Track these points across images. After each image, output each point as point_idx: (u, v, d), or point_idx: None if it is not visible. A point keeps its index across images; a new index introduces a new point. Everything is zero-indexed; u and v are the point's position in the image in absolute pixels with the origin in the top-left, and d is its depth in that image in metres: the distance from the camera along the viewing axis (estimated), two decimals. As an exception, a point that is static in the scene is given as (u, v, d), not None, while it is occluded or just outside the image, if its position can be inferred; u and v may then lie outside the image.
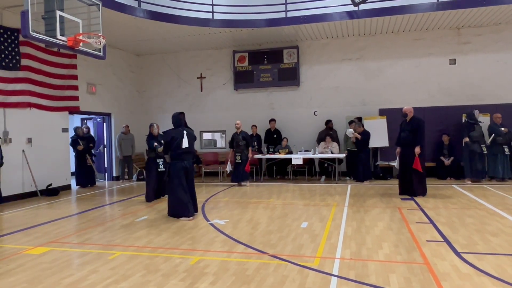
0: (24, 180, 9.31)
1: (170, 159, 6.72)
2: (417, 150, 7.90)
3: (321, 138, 11.71)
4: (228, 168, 11.07)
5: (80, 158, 11.23)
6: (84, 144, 11.20)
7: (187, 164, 6.64)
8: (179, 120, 6.75)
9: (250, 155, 10.61)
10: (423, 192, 8.14)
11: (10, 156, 8.85)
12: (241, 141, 10.50)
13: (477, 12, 10.02)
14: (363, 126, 11.08)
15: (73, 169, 11.52)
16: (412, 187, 8.13)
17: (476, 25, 11.15)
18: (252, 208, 7.42)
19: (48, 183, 9.78)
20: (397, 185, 10.07)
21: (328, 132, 11.63)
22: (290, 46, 12.63)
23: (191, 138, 6.76)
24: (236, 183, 10.74)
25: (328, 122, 11.87)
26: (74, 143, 11.17)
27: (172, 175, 6.61)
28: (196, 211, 6.87)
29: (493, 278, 3.67)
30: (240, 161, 10.51)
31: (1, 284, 3.85)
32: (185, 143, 6.58)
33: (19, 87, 9.10)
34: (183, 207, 6.53)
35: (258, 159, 11.83)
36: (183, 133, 6.63)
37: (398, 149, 8.45)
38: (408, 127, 8.12)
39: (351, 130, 10.80)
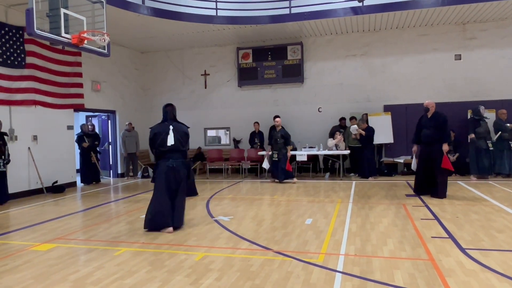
0: (30, 177, 9.38)
1: (155, 158, 5.76)
2: (446, 147, 7.35)
3: (333, 133, 11.67)
4: (265, 165, 10.72)
5: (84, 155, 11.31)
6: (89, 142, 11.27)
7: (173, 164, 5.49)
8: (165, 113, 5.70)
9: (288, 154, 10.25)
10: (445, 195, 7.50)
11: (16, 153, 8.91)
12: (279, 139, 10.22)
13: (483, 7, 9.93)
14: (367, 122, 11.07)
15: (78, 166, 11.58)
16: (435, 188, 7.50)
17: (482, 20, 11.06)
18: (256, 205, 7.43)
19: (53, 180, 9.85)
20: (402, 181, 10.09)
21: (339, 129, 11.62)
22: (294, 42, 12.60)
23: (180, 134, 5.60)
24: (277, 180, 10.35)
25: (341, 120, 11.87)
26: (79, 139, 11.24)
27: (155, 178, 5.61)
28: (178, 225, 5.60)
29: (498, 274, 3.66)
30: (276, 159, 10.23)
31: (8, 280, 3.89)
32: (170, 140, 5.49)
33: (24, 85, 9.15)
34: (162, 216, 5.45)
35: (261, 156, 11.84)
36: (169, 129, 5.55)
37: (414, 147, 7.85)
38: (432, 123, 7.52)
39: (355, 126, 10.78)
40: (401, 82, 11.89)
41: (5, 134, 8.48)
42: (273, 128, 12.42)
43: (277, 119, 10.48)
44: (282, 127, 10.63)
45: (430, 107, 7.64)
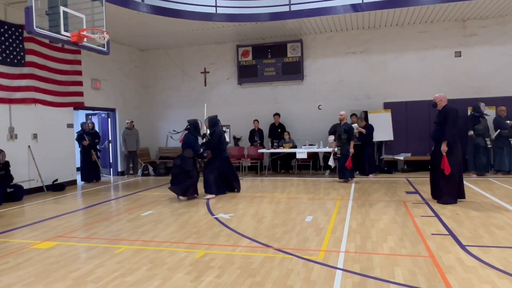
0: (30, 175, 9.37)
1: (211, 150, 8.33)
2: (443, 147, 6.58)
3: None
4: (331, 162, 10.24)
5: (85, 154, 11.32)
6: (89, 140, 11.28)
7: (228, 154, 8.86)
8: (217, 121, 8.48)
9: (351, 150, 9.48)
10: (451, 200, 6.70)
11: (16, 152, 8.92)
12: (342, 134, 9.61)
13: (483, 4, 9.91)
14: (366, 120, 11.07)
15: (79, 164, 11.59)
16: (439, 191, 6.87)
17: (482, 17, 11.04)
18: (256, 203, 7.44)
19: (54, 179, 9.86)
20: (402, 178, 10.11)
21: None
22: (294, 40, 12.58)
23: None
24: (342, 180, 9.81)
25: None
26: (79, 138, 11.25)
27: (212, 163, 8.38)
28: (239, 190, 8.74)
29: (498, 271, 3.67)
30: (339, 155, 9.70)
31: (9, 278, 3.90)
32: (227, 139, 8.40)
33: (24, 83, 9.14)
34: (218, 186, 8.34)
35: (262, 154, 11.86)
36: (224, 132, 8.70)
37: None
38: (437, 119, 6.85)
39: (355, 125, 10.77)
40: (401, 79, 11.88)
41: (8, 164, 8.44)
42: (273, 125, 12.46)
43: (342, 112, 9.83)
44: (346, 122, 9.87)
45: (438, 101, 6.89)
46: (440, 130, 6.72)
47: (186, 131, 8.24)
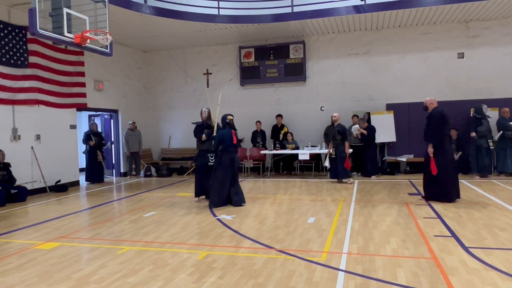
0: (33, 176, 9.40)
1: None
2: (429, 149, 6.90)
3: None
4: (326, 163, 10.28)
5: (91, 154, 11.37)
6: (96, 140, 11.35)
7: None
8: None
9: (347, 150, 9.70)
10: (441, 199, 6.97)
11: (19, 153, 8.96)
12: (336, 135, 9.73)
13: (486, 5, 9.89)
14: (368, 121, 11.05)
15: (81, 165, 11.63)
16: (425, 189, 7.22)
17: (485, 18, 11.02)
18: (259, 204, 7.44)
19: (57, 179, 9.89)
20: (405, 180, 10.10)
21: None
22: (296, 41, 12.58)
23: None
24: (336, 180, 9.96)
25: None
26: (87, 138, 11.33)
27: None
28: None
29: (501, 273, 3.66)
30: (334, 156, 9.78)
31: (12, 278, 3.92)
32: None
33: (28, 84, 9.18)
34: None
35: (264, 155, 11.86)
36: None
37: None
38: (427, 121, 7.08)
39: (357, 126, 10.76)
40: (403, 81, 11.86)
41: (9, 165, 8.48)
42: (276, 127, 12.46)
43: (335, 114, 9.96)
44: (339, 123, 9.92)
45: (428, 104, 7.19)
46: (427, 131, 7.02)
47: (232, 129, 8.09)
